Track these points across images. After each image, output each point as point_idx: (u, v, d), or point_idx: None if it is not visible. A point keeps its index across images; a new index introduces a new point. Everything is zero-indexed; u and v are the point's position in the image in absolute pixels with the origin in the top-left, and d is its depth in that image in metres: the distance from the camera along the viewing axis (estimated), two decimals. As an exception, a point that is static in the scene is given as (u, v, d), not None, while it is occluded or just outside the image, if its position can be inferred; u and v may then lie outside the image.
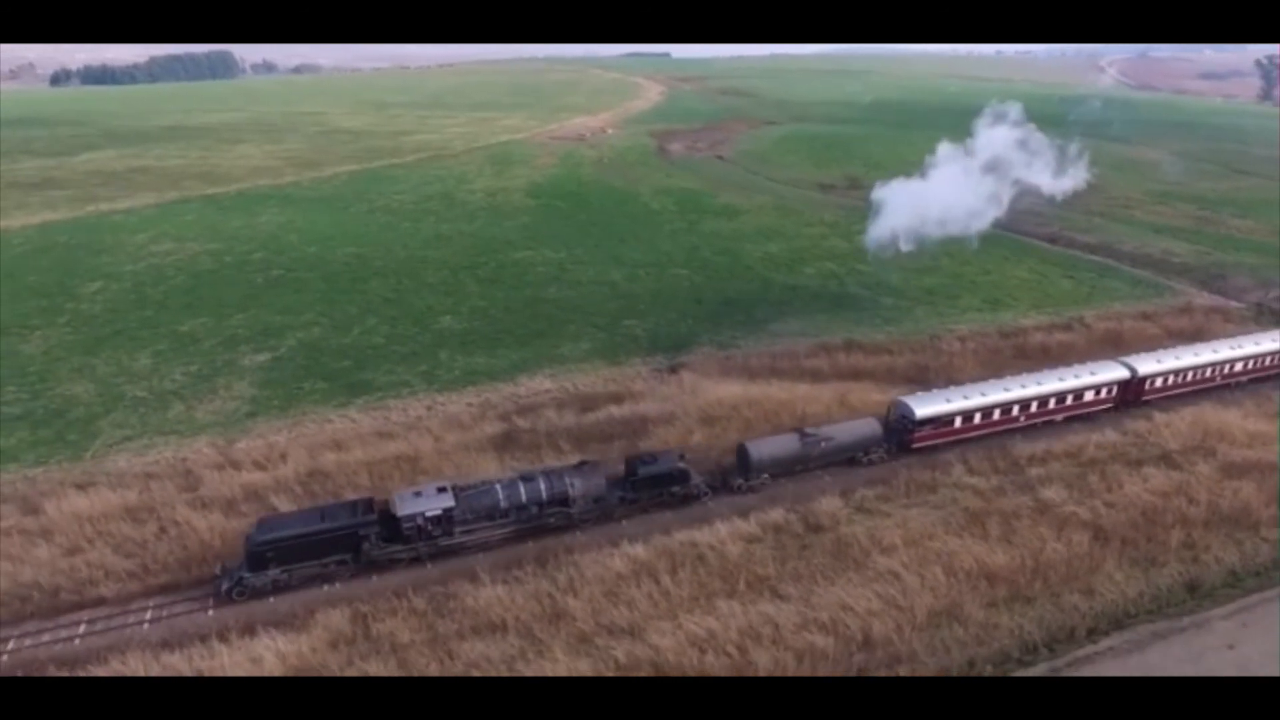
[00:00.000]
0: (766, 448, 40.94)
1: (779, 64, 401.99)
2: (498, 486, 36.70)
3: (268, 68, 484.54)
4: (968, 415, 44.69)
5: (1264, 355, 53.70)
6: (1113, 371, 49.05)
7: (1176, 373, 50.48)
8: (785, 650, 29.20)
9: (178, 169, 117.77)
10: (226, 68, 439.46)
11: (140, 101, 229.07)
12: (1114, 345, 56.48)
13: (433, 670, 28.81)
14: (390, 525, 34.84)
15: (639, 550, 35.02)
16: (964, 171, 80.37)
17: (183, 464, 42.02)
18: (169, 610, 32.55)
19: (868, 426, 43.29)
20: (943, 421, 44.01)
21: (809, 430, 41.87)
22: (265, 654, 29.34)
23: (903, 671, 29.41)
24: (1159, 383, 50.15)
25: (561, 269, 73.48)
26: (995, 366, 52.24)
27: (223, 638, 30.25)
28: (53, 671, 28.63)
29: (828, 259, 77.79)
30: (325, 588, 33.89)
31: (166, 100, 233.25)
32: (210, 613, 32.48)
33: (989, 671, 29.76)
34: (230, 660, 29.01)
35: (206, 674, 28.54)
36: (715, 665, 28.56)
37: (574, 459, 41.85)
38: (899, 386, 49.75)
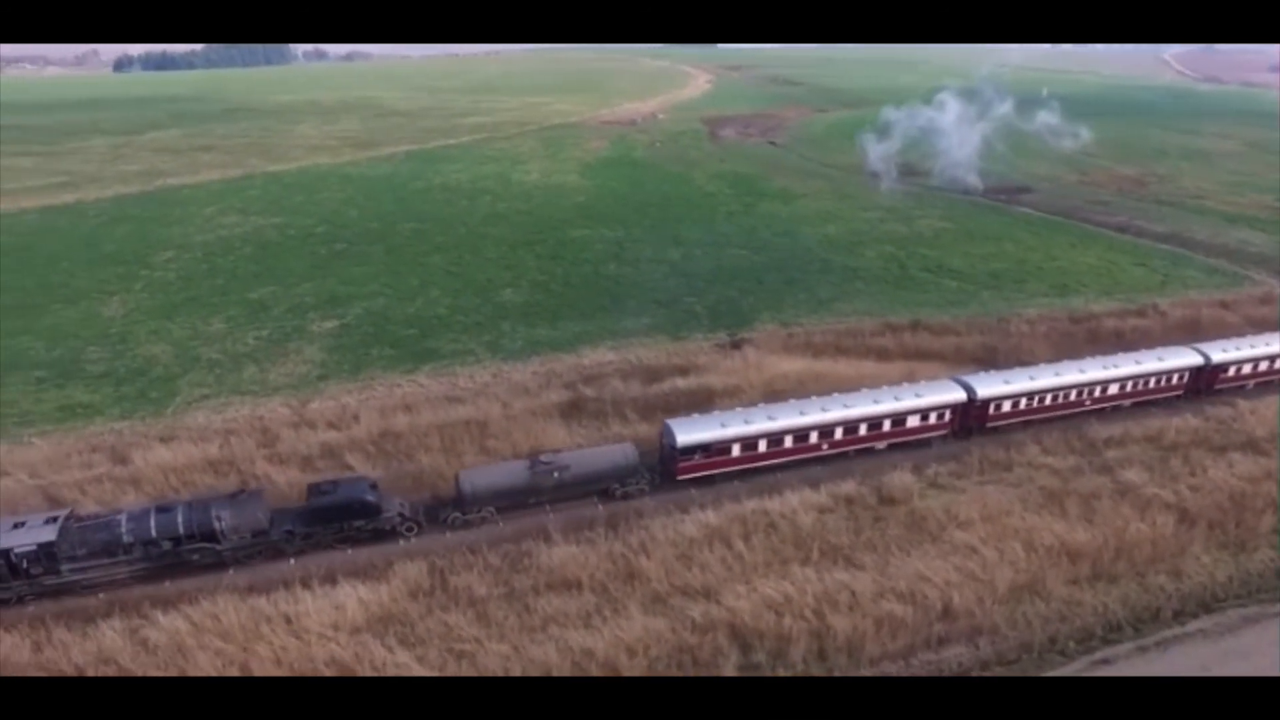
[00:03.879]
0: (484, 477, 35.63)
1: (829, 54, 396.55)
2: (122, 518, 32.04)
3: (319, 55, 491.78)
4: (748, 442, 38.47)
5: (1147, 376, 45.77)
6: (946, 393, 42.20)
7: (1030, 395, 43.28)
8: (864, 617, 28.93)
9: (240, 147, 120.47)
10: (280, 54, 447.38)
11: (201, 85, 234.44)
12: (1191, 332, 54.53)
13: (510, 623, 29.15)
14: None
15: (710, 516, 34.98)
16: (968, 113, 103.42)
17: (260, 422, 43.04)
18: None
19: (620, 454, 37.54)
20: (716, 450, 38.06)
21: (544, 457, 36.54)
22: (348, 601, 29.92)
23: (983, 644, 29.05)
24: (1006, 407, 42.97)
25: (619, 247, 73.58)
26: (1067, 349, 50.88)
27: (305, 585, 30.90)
28: (148, 610, 29.54)
29: (888, 242, 76.64)
30: (401, 542, 34.39)
31: (225, 84, 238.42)
32: (292, 561, 33.24)
33: (1072, 648, 29.26)
34: (314, 606, 29.62)
35: (293, 618, 29.20)
36: (793, 629, 28.43)
37: (641, 428, 41.96)
38: (967, 366, 48.85)
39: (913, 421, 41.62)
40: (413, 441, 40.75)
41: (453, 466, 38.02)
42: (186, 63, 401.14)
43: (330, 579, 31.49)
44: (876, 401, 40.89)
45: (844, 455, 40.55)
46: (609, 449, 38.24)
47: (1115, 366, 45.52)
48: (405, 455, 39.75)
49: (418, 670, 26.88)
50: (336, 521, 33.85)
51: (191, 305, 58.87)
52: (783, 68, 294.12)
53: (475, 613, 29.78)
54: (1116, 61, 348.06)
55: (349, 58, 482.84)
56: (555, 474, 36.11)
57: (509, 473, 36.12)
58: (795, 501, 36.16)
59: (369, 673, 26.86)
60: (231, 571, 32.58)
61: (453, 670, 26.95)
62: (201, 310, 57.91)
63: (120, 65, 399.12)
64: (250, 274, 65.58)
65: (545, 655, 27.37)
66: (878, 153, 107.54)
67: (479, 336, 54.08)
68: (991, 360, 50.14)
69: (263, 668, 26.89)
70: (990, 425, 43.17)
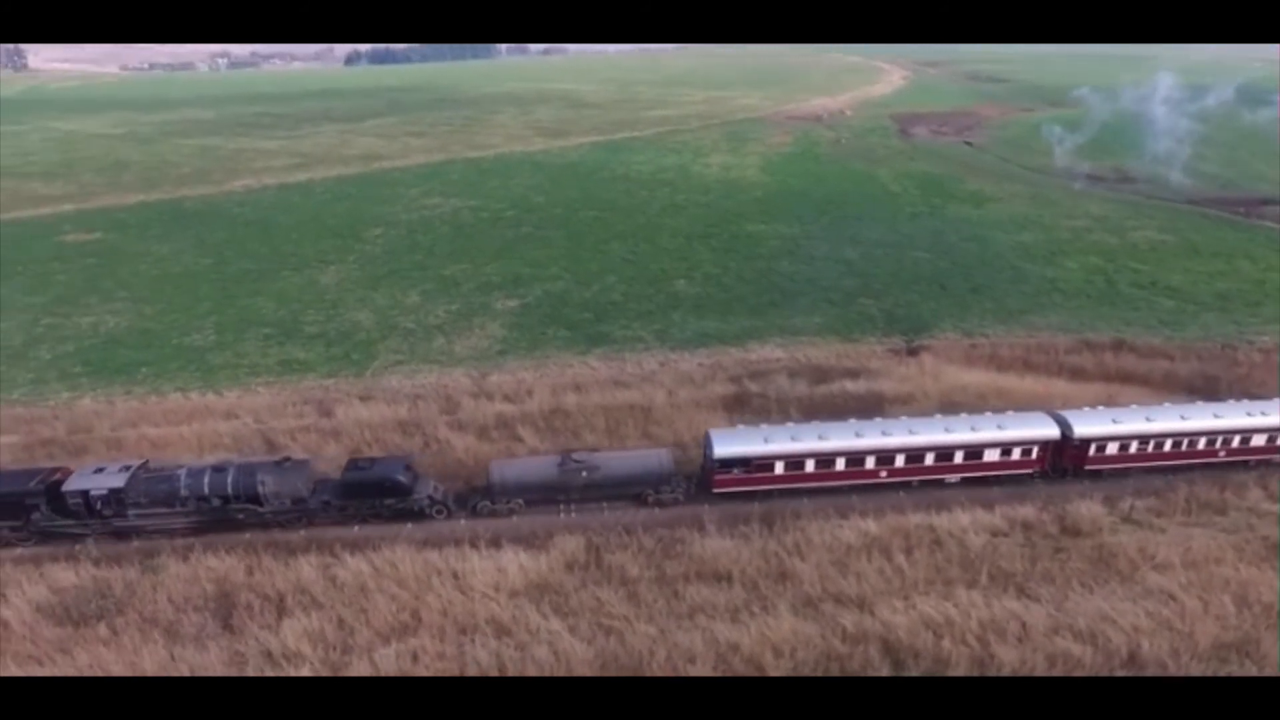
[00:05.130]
0: (513, 470, 35.80)
1: (1040, 52, 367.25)
2: (182, 473, 34.82)
3: (520, 50, 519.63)
4: (793, 461, 36.20)
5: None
6: (1035, 428, 37.88)
7: (1143, 439, 37.87)
8: (1034, 651, 26.80)
9: (445, 134, 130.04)
10: (486, 49, 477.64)
11: (415, 78, 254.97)
12: None
13: (659, 607, 29.60)
14: (61, 499, 34.00)
15: (870, 525, 33.73)
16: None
17: (444, 389, 46.36)
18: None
19: (655, 459, 36.36)
20: (756, 465, 36.09)
21: (576, 456, 35.94)
22: (510, 565, 31.60)
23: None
24: (1111, 449, 37.93)
25: (795, 244, 72.39)
26: (1310, 385, 44.29)
27: (473, 545, 32.93)
28: (338, 550, 32.70)
29: (1092, 253, 70.16)
30: (561, 515, 35.81)
31: (436, 77, 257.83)
32: (463, 521, 35.56)
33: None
34: (480, 566, 31.54)
35: (460, 575, 31.24)
36: (953, 653, 26.83)
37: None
38: (1179, 395, 43.85)
39: (991, 455, 37.67)
40: (579, 420, 42.31)
41: (615, 448, 39.12)
42: (404, 57, 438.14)
43: (495, 543, 33.35)
44: (949, 430, 37.43)
45: (907, 485, 37.55)
46: (644, 453, 37.50)
47: (1263, 414, 38.87)
48: (571, 433, 41.33)
49: (568, 640, 27.94)
50: (369, 498, 35.16)
51: (393, 278, 64.34)
52: (985, 64, 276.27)
53: (626, 592, 30.48)
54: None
55: (547, 52, 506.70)
56: (584, 474, 35.69)
57: (538, 468, 36.24)
58: (965, 520, 34.09)
59: (524, 636, 28.23)
60: (410, 525, 35.33)
61: (600, 645, 27.77)
62: (401, 283, 63.15)
63: (350, 60, 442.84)
64: (446, 252, 70.70)
65: (691, 643, 27.53)
66: (1067, 145, 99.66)
67: (650, 324, 55.18)
68: (1213, 390, 44.66)
69: (431, 617, 29.00)
70: (1089, 468, 38.48)
